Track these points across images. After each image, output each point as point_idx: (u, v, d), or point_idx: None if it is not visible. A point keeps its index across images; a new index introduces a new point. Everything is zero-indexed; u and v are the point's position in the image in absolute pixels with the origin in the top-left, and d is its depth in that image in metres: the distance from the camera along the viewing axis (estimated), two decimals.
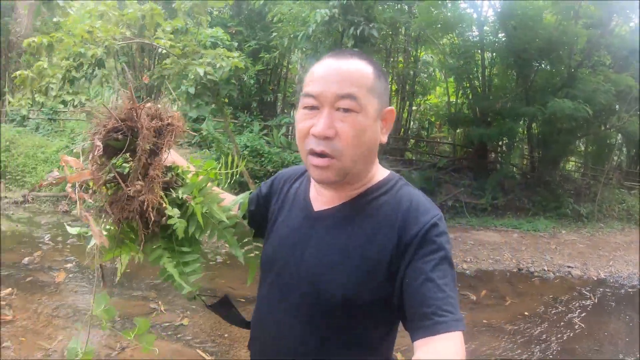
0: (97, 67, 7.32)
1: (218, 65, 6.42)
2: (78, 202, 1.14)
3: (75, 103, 7.09)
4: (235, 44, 8.69)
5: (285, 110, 15.92)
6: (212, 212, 1.26)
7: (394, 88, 14.70)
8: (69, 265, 5.99)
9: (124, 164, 1.24)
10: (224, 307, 1.46)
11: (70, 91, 7.44)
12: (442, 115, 16.43)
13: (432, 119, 17.67)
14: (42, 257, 6.23)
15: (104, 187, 1.19)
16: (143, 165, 1.15)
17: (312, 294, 1.16)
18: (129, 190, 1.14)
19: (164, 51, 8.02)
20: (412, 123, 17.15)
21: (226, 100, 9.17)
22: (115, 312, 1.28)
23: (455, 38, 13.86)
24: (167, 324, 4.56)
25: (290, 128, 13.49)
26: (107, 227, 1.23)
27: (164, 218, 1.19)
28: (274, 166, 10.15)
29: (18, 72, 7.43)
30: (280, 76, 15.28)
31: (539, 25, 11.64)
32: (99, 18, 7.66)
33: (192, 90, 6.60)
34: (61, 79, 7.35)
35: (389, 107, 1.20)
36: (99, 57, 7.24)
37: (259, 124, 12.60)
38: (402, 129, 15.72)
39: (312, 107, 1.13)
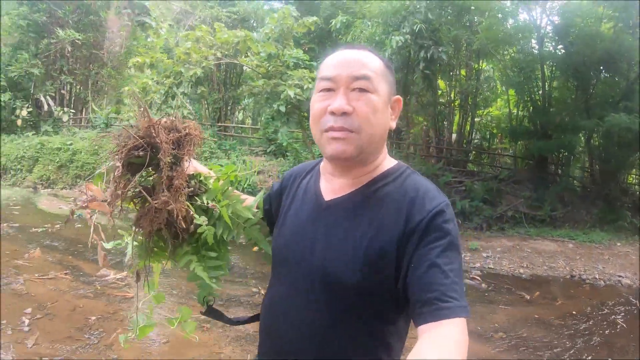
0: (195, 85, 8.60)
1: (305, 87, 7.48)
2: (92, 228, 1.23)
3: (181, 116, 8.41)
4: (314, 64, 9.83)
5: None
6: (237, 212, 1.34)
7: (456, 103, 15.28)
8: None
9: (148, 178, 1.30)
10: (213, 314, 1.50)
11: (173, 105, 8.77)
12: (503, 128, 16.80)
13: (494, 131, 17.96)
14: None
15: (131, 203, 1.27)
16: (167, 177, 1.19)
17: (324, 283, 1.18)
18: (156, 202, 1.18)
19: (249, 69, 9.25)
20: (474, 135, 17.48)
21: (305, 115, 10.31)
22: (163, 298, 1.45)
23: (515, 52, 14.29)
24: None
25: None
26: (138, 238, 1.32)
27: (192, 225, 1.26)
28: None
29: (126, 88, 8.85)
30: None
31: (597, 37, 11.96)
32: (195, 42, 8.89)
33: (283, 109, 7.70)
34: (164, 94, 8.66)
35: (397, 96, 1.26)
36: (198, 76, 8.47)
37: None
38: (465, 141, 16.17)
39: (328, 90, 1.19)
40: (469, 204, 11.34)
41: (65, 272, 6.09)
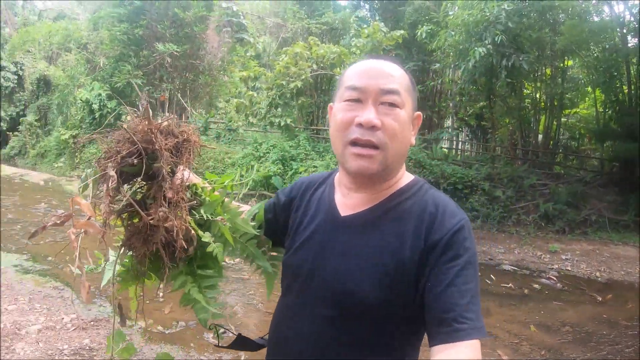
0: (296, 96, 9.65)
1: None
2: (77, 252, 1.10)
3: (282, 124, 9.45)
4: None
5: (443, 125, 17.30)
6: (237, 227, 1.26)
7: (542, 104, 15.37)
8: None
9: (137, 190, 1.17)
10: (239, 344, 1.46)
11: (276, 114, 9.86)
12: (590, 129, 16.46)
13: (582, 131, 17.67)
14: None
15: (118, 220, 1.13)
16: (166, 189, 1.09)
17: (341, 300, 1.17)
18: (152, 218, 1.07)
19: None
20: (561, 135, 17.30)
21: None
22: (134, 350, 1.30)
23: (599, 51, 14.00)
24: None
25: (448, 142, 14.86)
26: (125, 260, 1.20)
27: (194, 244, 1.16)
28: (435, 177, 11.63)
29: (235, 100, 10.12)
30: (435, 92, 16.51)
31: None
32: (294, 57, 9.90)
33: None
34: (267, 105, 9.76)
35: (418, 112, 1.26)
36: (299, 88, 9.48)
37: (419, 138, 13.71)
38: (551, 142, 16.13)
39: (355, 100, 1.17)
40: (552, 207, 11.45)
41: None
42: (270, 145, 13.31)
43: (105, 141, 1.13)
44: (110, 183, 1.05)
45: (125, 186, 1.12)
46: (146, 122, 1.12)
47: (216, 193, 1.28)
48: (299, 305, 1.28)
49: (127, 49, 18.81)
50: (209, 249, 1.17)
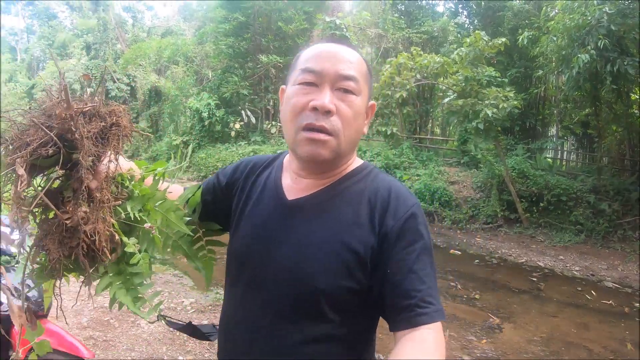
0: (401, 106, 10.34)
1: (500, 106, 8.81)
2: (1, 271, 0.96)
3: (389, 133, 10.23)
4: (506, 80, 10.92)
5: (547, 134, 16.70)
6: (169, 223, 1.12)
7: None
8: None
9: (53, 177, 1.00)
10: (188, 330, 1.42)
11: (382, 123, 10.66)
12: None
13: None
14: None
15: (29, 215, 0.94)
16: (86, 185, 0.92)
17: (294, 287, 1.13)
18: (68, 219, 0.92)
19: (444, 87, 10.79)
20: None
21: (499, 129, 10.96)
22: (48, 347, 1.16)
23: None
24: (465, 297, 6.67)
25: (553, 151, 14.56)
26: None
27: (117, 252, 1.01)
28: (539, 188, 11.31)
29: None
30: (538, 99, 16.04)
31: None
32: (398, 67, 10.59)
33: (481, 126, 9.11)
34: (374, 114, 10.53)
35: (372, 102, 1.25)
36: (404, 98, 10.21)
37: (522, 147, 13.52)
38: None
39: (310, 84, 1.14)
40: None
41: None
42: (375, 154, 13.80)
43: (11, 127, 0.94)
44: (19, 184, 0.88)
45: (39, 178, 0.98)
46: (64, 105, 0.93)
47: (148, 182, 1.15)
48: (248, 295, 1.22)
49: (233, 61, 20.31)
50: (133, 260, 1.04)
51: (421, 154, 13.84)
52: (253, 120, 19.76)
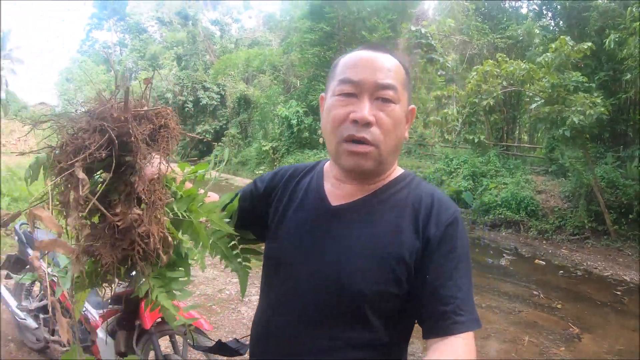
0: (488, 113, 10.69)
1: (587, 113, 9.08)
2: (45, 277, 0.89)
3: (476, 140, 10.64)
4: (594, 85, 10.93)
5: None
6: (213, 225, 1.14)
7: None
8: None
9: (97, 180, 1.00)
10: (216, 349, 1.46)
11: (469, 130, 11.07)
12: None
13: None
14: None
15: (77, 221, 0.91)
16: (140, 186, 0.94)
17: (337, 291, 1.14)
18: (120, 220, 0.93)
19: (531, 94, 11.07)
20: None
21: (587, 136, 10.84)
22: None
23: None
24: (546, 305, 6.58)
25: None
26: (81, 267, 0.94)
27: (166, 252, 1.00)
28: (628, 198, 10.68)
29: (431, 118, 11.60)
30: (629, 104, 15.03)
31: None
32: (484, 75, 10.92)
33: (567, 134, 9.34)
34: (462, 122, 11.00)
35: (412, 106, 1.26)
36: (491, 105, 10.65)
37: (612, 155, 12.78)
38: None
39: (349, 94, 1.14)
40: None
41: None
42: (461, 161, 13.83)
43: (65, 129, 0.93)
44: (81, 189, 0.87)
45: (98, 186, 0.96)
46: (123, 108, 0.94)
47: (188, 184, 1.15)
48: (287, 299, 1.23)
49: (319, 70, 21.17)
50: (192, 257, 1.08)
51: (508, 162, 13.53)
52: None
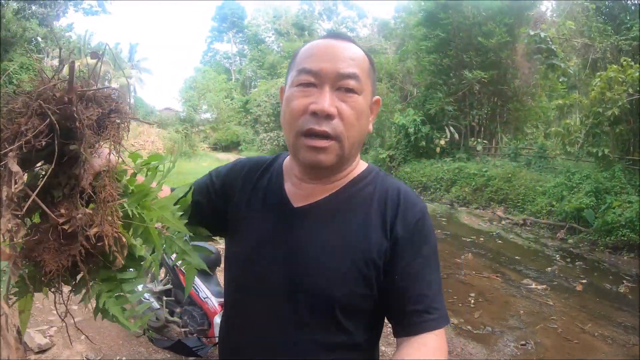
0: (614, 124, 10.29)
1: None
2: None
3: (599, 154, 10.32)
4: None
5: None
6: (167, 224, 1.01)
7: None
8: (583, 281, 7.87)
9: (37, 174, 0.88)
10: (177, 348, 1.28)
11: (592, 143, 10.79)
12: None
13: None
14: (559, 269, 8.60)
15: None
16: (73, 177, 0.83)
17: (307, 296, 1.12)
18: (66, 223, 0.81)
19: None
20: None
21: None
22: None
23: None
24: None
25: None
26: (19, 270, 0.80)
27: (120, 254, 0.88)
28: None
29: (552, 129, 11.47)
30: None
31: None
32: (608, 81, 10.65)
33: None
34: (585, 134, 10.79)
35: (377, 97, 1.21)
36: (616, 115, 10.33)
37: None
38: None
39: (309, 85, 1.09)
40: None
41: (496, 274, 7.81)
42: (584, 176, 12.76)
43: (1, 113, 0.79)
44: (14, 183, 0.74)
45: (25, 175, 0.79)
46: (67, 87, 0.80)
47: (140, 178, 0.99)
48: (256, 304, 1.20)
49: (437, 77, 21.18)
50: (146, 264, 0.96)
51: (634, 178, 12.37)
52: (457, 136, 20.08)
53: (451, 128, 20.12)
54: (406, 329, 1.11)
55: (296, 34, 39.49)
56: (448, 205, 16.28)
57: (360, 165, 1.27)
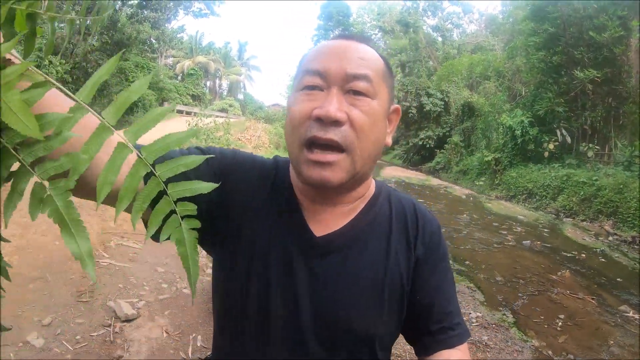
0: None
1: None
2: None
3: None
4: None
5: None
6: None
7: None
8: None
9: None
10: None
11: None
12: None
13: None
14: None
15: None
16: None
17: (346, 340, 1.04)
18: None
19: None
20: None
21: None
22: None
23: None
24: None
25: None
26: None
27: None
28: None
29: None
30: None
31: None
32: None
33: None
34: None
35: (396, 105, 1.09)
36: None
37: None
38: None
39: (314, 87, 0.98)
40: None
41: (591, 297, 7.37)
42: None
43: None
44: None
45: None
46: None
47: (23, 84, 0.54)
48: (280, 353, 1.04)
49: (546, 76, 20.25)
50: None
51: None
52: (568, 140, 19.12)
53: (563, 130, 19.22)
54: (430, 347, 1.11)
55: (401, 31, 39.41)
56: (553, 215, 15.61)
57: (372, 182, 1.18)
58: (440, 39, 38.71)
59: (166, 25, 30.56)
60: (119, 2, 23.11)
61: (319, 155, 0.95)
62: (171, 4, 26.56)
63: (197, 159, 0.60)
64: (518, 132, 19.97)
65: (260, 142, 24.80)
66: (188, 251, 0.61)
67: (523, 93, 22.87)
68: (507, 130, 20.80)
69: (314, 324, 1.03)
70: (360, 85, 0.97)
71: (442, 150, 28.74)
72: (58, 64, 15.76)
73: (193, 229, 0.63)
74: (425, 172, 28.16)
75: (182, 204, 0.62)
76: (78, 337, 4.34)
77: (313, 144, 0.96)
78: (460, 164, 25.93)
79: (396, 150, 35.45)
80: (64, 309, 4.74)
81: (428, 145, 30.69)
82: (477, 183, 22.62)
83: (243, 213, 1.08)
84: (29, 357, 3.96)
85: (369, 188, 1.15)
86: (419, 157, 32.03)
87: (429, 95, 31.31)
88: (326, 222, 1.08)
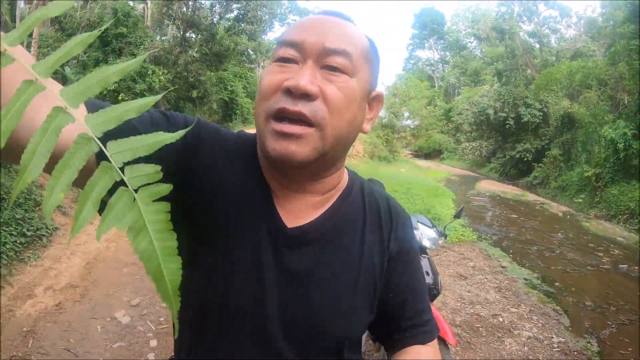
0: None
1: None
2: None
3: None
4: None
5: None
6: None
7: None
8: None
9: None
10: None
11: None
12: None
13: None
14: None
15: None
16: None
17: (315, 339, 1.00)
18: None
19: None
20: None
21: None
22: None
23: None
24: None
25: None
26: None
27: None
28: None
29: None
30: None
31: None
32: None
33: None
34: None
35: (379, 91, 1.02)
36: None
37: None
38: None
39: (289, 60, 0.91)
40: None
41: None
42: None
43: None
44: None
45: None
46: None
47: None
48: (249, 351, 0.98)
49: None
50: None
51: None
52: None
53: None
54: (400, 343, 1.11)
55: (496, 38, 38.34)
56: None
57: (344, 171, 1.11)
58: (537, 45, 37.14)
59: (262, 37, 32.01)
60: (217, 16, 24.35)
61: (285, 126, 0.87)
62: (267, 16, 27.62)
63: (164, 138, 0.45)
64: (620, 146, 18.76)
65: (354, 150, 24.50)
66: (156, 245, 0.41)
67: (626, 102, 21.42)
68: (609, 144, 19.59)
69: (282, 321, 0.98)
70: (339, 60, 0.90)
71: (540, 164, 27.53)
72: (161, 73, 17.20)
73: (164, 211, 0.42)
74: (522, 186, 27.27)
75: (135, 167, 0.43)
76: (162, 319, 4.82)
77: (280, 116, 0.88)
78: (559, 179, 24.73)
79: (492, 163, 34.19)
80: (152, 293, 5.30)
81: (525, 159, 29.48)
82: (575, 200, 21.44)
83: (210, 192, 0.98)
84: (114, 331, 4.52)
85: (342, 178, 1.09)
86: (516, 171, 30.82)
87: (526, 105, 29.99)
88: (297, 212, 1.02)
